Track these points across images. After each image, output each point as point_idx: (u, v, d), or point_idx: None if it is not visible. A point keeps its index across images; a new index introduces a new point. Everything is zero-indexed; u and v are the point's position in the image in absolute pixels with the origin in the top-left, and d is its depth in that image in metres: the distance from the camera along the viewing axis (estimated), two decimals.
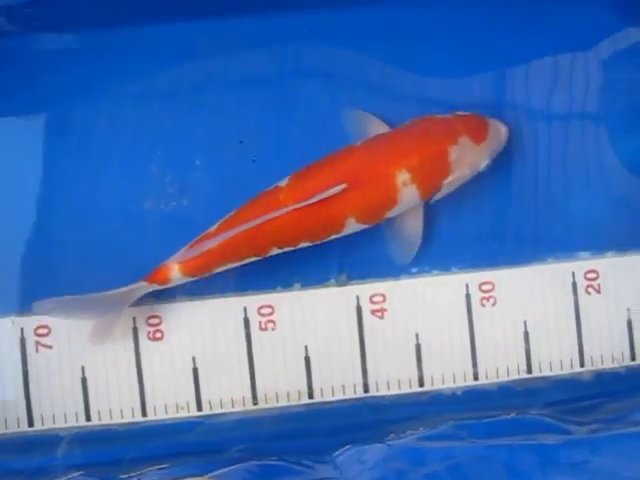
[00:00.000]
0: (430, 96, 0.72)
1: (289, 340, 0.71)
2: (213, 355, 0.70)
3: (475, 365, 0.71)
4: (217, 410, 0.70)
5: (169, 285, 0.67)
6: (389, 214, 0.68)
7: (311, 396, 0.71)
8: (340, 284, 0.71)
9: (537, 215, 0.72)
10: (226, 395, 0.70)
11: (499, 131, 0.69)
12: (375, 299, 0.71)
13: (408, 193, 0.66)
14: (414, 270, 0.72)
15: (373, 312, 0.71)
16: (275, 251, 0.67)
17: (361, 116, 0.70)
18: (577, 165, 0.72)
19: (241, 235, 0.65)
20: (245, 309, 0.70)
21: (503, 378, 0.71)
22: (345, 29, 0.71)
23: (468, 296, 0.72)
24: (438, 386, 0.71)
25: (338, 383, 0.71)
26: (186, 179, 0.70)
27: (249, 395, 0.70)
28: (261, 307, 0.71)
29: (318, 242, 0.67)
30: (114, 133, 0.71)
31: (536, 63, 0.73)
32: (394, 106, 0.71)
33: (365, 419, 0.70)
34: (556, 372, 0.72)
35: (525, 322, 0.72)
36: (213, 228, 0.66)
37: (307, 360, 0.71)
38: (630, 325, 0.72)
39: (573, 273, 0.72)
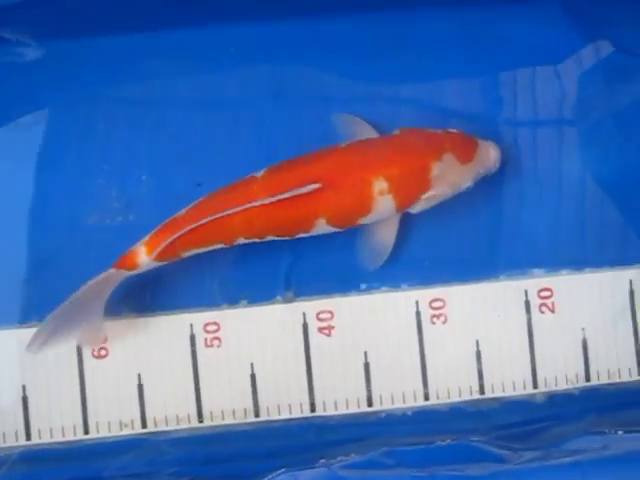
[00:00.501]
0: (381, 109, 0.71)
1: (235, 357, 0.69)
2: (159, 372, 0.69)
3: (426, 385, 0.70)
4: (162, 427, 0.69)
5: (138, 271, 0.66)
6: (362, 221, 0.66)
7: (257, 414, 0.69)
8: (287, 300, 0.70)
9: (489, 231, 0.71)
10: (171, 412, 0.69)
11: (488, 154, 0.67)
12: (322, 316, 0.70)
13: (383, 202, 0.65)
14: (363, 286, 0.70)
15: (320, 329, 0.70)
16: (242, 241, 0.66)
17: (350, 120, 0.70)
18: (531, 181, 0.71)
19: (210, 222, 0.64)
20: (191, 326, 0.70)
21: (455, 399, 0.70)
22: (294, 43, 0.71)
23: (418, 313, 0.70)
24: (387, 406, 0.70)
25: (284, 402, 0.69)
26: (132, 194, 0.70)
27: (194, 412, 0.69)
28: (207, 324, 0.70)
29: (287, 237, 0.66)
30: (61, 146, 0.70)
31: (493, 78, 0.72)
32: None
33: (309, 440, 0.68)
34: (509, 393, 0.70)
35: (477, 341, 0.70)
36: (182, 212, 0.65)
37: (253, 377, 0.70)
38: (585, 345, 0.71)
39: (526, 291, 0.71)
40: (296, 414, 0.69)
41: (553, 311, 0.71)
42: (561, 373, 0.70)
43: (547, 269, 0.71)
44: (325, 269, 0.70)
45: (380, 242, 0.69)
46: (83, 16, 0.68)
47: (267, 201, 0.63)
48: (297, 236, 0.66)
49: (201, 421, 0.69)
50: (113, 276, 0.66)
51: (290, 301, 0.70)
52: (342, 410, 0.69)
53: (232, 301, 0.70)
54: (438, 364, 0.70)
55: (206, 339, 0.70)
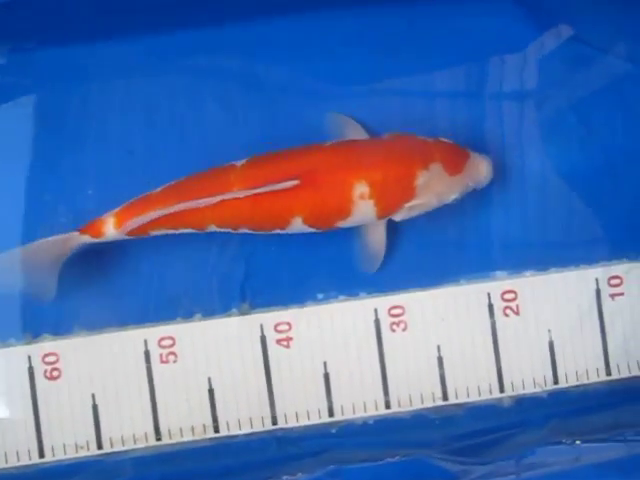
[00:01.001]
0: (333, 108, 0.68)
1: (192, 372, 0.68)
2: (113, 390, 0.67)
3: (387, 393, 0.68)
4: (119, 448, 0.67)
5: (102, 239, 0.64)
6: (341, 224, 0.64)
7: (217, 430, 0.68)
8: (243, 313, 0.68)
9: (449, 234, 0.69)
10: (127, 431, 0.67)
11: (478, 167, 0.65)
12: (280, 328, 0.68)
13: (364, 207, 0.63)
14: (320, 296, 0.68)
15: (278, 341, 0.68)
16: (213, 229, 0.64)
17: (342, 120, 0.67)
18: (492, 181, 0.68)
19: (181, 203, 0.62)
20: (145, 341, 0.68)
21: (417, 406, 0.68)
22: (234, 44, 0.68)
23: (377, 321, 0.68)
24: (349, 416, 0.68)
25: (245, 416, 0.68)
26: (79, 209, 0.67)
27: (152, 431, 0.67)
28: (161, 339, 0.68)
29: (260, 232, 0.64)
30: (7, 162, 0.68)
31: (446, 74, 0.69)
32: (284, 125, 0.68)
33: (270, 455, 0.67)
34: (474, 399, 0.68)
35: (439, 347, 0.68)
36: (157, 190, 0.64)
37: (211, 392, 0.68)
38: (552, 347, 0.69)
39: (489, 294, 0.69)
40: (257, 428, 0.68)
41: (518, 314, 0.69)
42: (528, 376, 0.68)
43: (510, 271, 0.69)
44: (281, 279, 0.68)
45: (370, 248, 0.67)
46: (20, 28, 0.66)
47: (242, 193, 0.61)
48: (272, 232, 0.64)
49: (159, 439, 0.67)
50: (74, 239, 0.64)
51: (246, 313, 0.68)
52: (303, 422, 0.68)
53: (186, 315, 0.68)
54: (399, 372, 0.68)
55: (161, 355, 0.68)
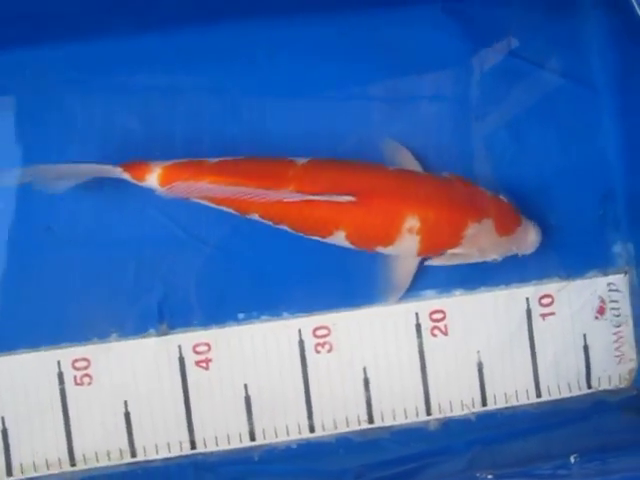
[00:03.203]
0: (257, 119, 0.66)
1: (107, 395, 0.65)
2: (25, 414, 0.64)
3: (311, 416, 0.66)
4: (30, 474, 0.64)
5: (139, 184, 0.62)
6: (381, 249, 0.63)
7: (134, 455, 0.65)
8: (161, 333, 0.65)
9: (376, 252, 0.66)
10: (40, 457, 0.64)
11: (527, 235, 0.64)
12: (199, 349, 0.66)
13: (409, 240, 0.62)
14: (241, 316, 0.66)
15: (197, 363, 0.66)
16: (255, 217, 0.63)
17: (396, 148, 0.66)
18: None
19: (233, 185, 0.61)
20: (59, 363, 0.65)
21: (342, 429, 0.66)
22: (156, 55, 0.65)
23: (301, 342, 0.66)
24: (271, 440, 0.66)
25: (162, 440, 0.65)
26: None
27: (65, 456, 0.65)
28: (76, 360, 0.65)
29: (300, 233, 0.63)
30: None
31: (377, 86, 0.66)
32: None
33: None
34: (400, 421, 0.67)
35: (364, 368, 0.66)
36: (213, 160, 0.62)
37: (127, 416, 0.65)
38: (481, 368, 0.67)
39: (417, 314, 0.67)
40: (175, 453, 0.65)
41: (446, 334, 0.67)
42: (456, 398, 0.67)
43: (439, 290, 0.67)
44: (200, 299, 0.65)
45: (395, 280, 0.65)
46: None
47: (297, 197, 0.60)
48: (311, 236, 0.63)
49: (73, 465, 0.65)
50: (112, 172, 0.62)
51: (164, 334, 0.65)
52: (223, 446, 0.66)
53: (102, 335, 0.65)
54: (324, 394, 0.66)
55: (75, 377, 0.65)
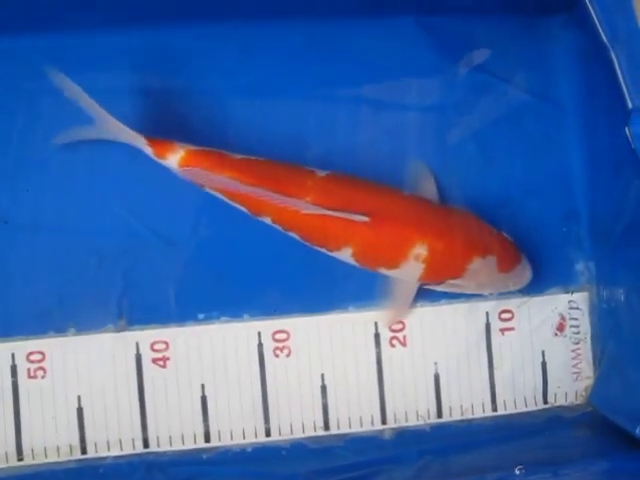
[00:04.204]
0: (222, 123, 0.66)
1: (61, 389, 0.64)
2: None
3: (267, 420, 0.66)
4: None
5: (159, 160, 0.62)
6: (384, 271, 0.64)
7: (84, 451, 0.65)
8: (118, 329, 0.65)
9: (338, 260, 0.66)
10: None
11: (524, 274, 0.65)
12: (157, 347, 0.65)
13: (413, 267, 0.63)
14: (201, 316, 0.66)
15: (154, 360, 0.65)
16: (267, 220, 0.63)
17: (422, 171, 0.67)
18: None
19: (251, 185, 0.61)
20: (13, 355, 0.64)
21: (298, 435, 0.66)
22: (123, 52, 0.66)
23: (260, 345, 0.66)
24: (226, 442, 0.65)
25: (114, 437, 0.65)
26: None
27: (13, 450, 0.64)
28: (30, 353, 0.64)
29: (308, 243, 0.64)
30: None
31: (346, 97, 0.67)
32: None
33: None
34: (356, 429, 0.67)
35: (322, 375, 0.66)
36: (236, 156, 0.63)
37: (80, 411, 0.64)
38: (437, 380, 0.67)
39: (376, 323, 0.67)
40: (127, 451, 0.65)
41: (404, 345, 0.67)
42: (412, 409, 0.67)
43: None
44: (160, 297, 0.65)
45: (395, 302, 0.66)
46: None
47: (313, 210, 0.61)
48: (316, 247, 0.63)
49: (21, 459, 0.64)
50: (136, 140, 0.62)
51: (122, 330, 0.65)
52: (177, 446, 0.65)
53: (59, 329, 0.65)
54: (281, 399, 0.66)
55: (29, 370, 0.64)
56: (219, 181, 0.63)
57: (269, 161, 0.64)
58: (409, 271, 0.64)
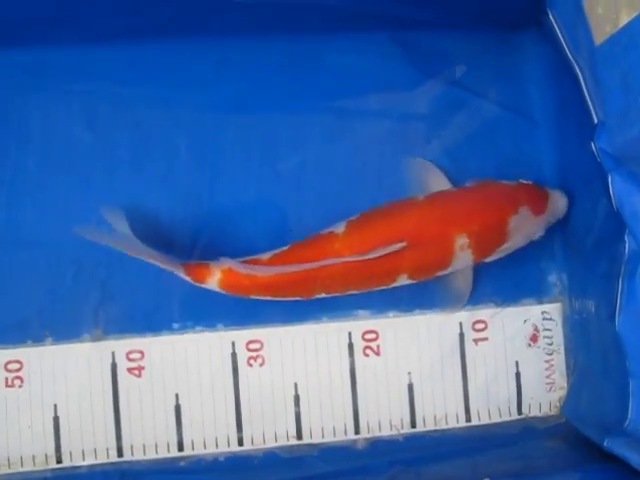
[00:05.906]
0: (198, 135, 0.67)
1: (37, 398, 0.65)
2: None
3: (240, 429, 0.66)
4: None
5: (197, 284, 0.63)
6: (440, 273, 0.65)
7: (59, 460, 0.65)
8: (95, 339, 0.66)
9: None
10: None
11: (558, 203, 0.66)
12: (132, 356, 0.66)
13: (463, 257, 0.64)
14: (176, 326, 0.67)
15: (130, 370, 0.66)
16: (321, 295, 0.64)
17: (423, 165, 0.67)
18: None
19: (291, 275, 0.62)
20: None
21: (270, 444, 0.66)
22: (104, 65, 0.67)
23: (234, 355, 0.67)
24: (199, 451, 0.66)
25: (89, 446, 0.65)
26: None
27: None
28: (7, 362, 0.65)
29: (364, 290, 0.64)
30: None
31: (321, 112, 0.68)
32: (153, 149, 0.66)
33: None
34: (329, 439, 0.67)
35: (295, 384, 0.67)
36: (265, 256, 0.63)
37: (56, 420, 0.65)
38: (411, 390, 0.68)
39: (350, 333, 0.68)
40: (102, 460, 0.65)
41: (378, 354, 0.68)
42: (385, 418, 0.67)
43: (373, 311, 0.68)
44: (136, 307, 0.66)
45: (457, 290, 0.67)
46: None
47: (353, 258, 0.61)
48: (374, 289, 0.65)
49: None
50: (175, 269, 0.62)
51: (98, 339, 0.66)
52: (151, 455, 0.66)
53: (36, 339, 0.65)
54: (254, 408, 0.66)
55: (6, 378, 0.65)
56: (262, 283, 0.62)
57: (294, 244, 0.64)
58: (461, 262, 0.65)
